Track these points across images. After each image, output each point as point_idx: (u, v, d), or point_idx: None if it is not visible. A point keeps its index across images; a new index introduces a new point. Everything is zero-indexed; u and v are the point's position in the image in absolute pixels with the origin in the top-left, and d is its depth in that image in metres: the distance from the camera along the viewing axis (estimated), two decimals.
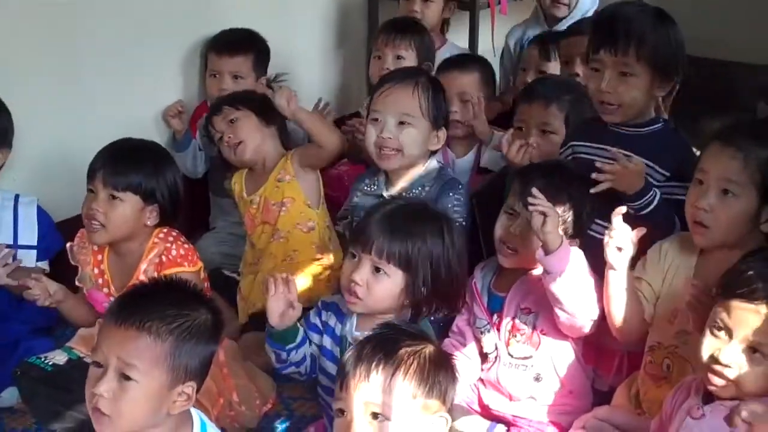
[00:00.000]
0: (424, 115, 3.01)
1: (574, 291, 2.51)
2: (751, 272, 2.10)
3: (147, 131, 3.52)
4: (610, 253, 2.43)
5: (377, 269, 2.44)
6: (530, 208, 2.49)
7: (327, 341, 2.58)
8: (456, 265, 2.52)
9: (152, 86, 3.70)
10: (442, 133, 3.07)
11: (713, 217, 2.44)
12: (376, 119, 3.03)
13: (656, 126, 2.88)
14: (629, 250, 2.43)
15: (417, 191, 3.04)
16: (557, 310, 2.56)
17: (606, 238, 2.43)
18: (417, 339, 2.10)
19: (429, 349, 2.06)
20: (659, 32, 2.79)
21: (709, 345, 2.10)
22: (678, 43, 2.84)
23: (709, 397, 2.16)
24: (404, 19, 4.01)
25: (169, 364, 2.02)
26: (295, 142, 3.48)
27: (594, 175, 2.70)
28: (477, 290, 2.81)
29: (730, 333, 2.08)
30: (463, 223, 2.97)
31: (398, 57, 3.77)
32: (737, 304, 2.07)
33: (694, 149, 2.82)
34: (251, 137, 3.27)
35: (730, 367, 2.06)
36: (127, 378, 1.99)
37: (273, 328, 2.47)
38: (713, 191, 2.44)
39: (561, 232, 2.52)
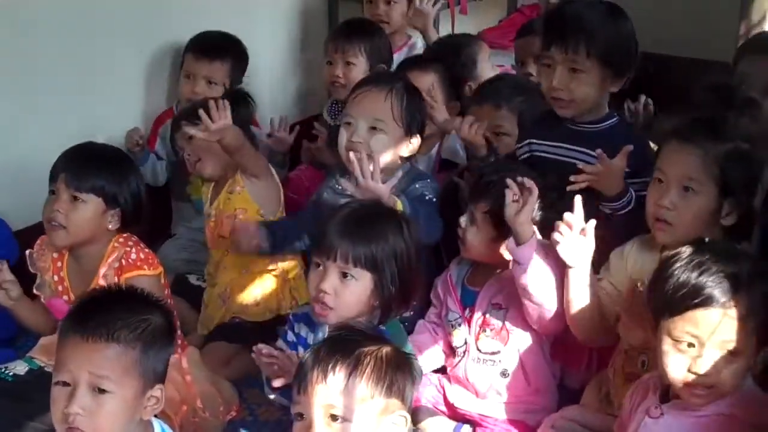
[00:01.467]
0: (397, 121, 2.99)
1: (543, 282, 2.51)
2: (693, 280, 2.06)
3: (109, 138, 3.48)
4: (566, 248, 2.43)
5: (344, 275, 2.43)
6: (507, 197, 2.50)
7: (302, 352, 2.56)
8: (415, 260, 2.52)
9: (116, 92, 3.67)
10: (416, 140, 3.05)
11: (676, 214, 2.46)
12: (349, 123, 3.01)
13: (612, 121, 2.91)
14: (589, 245, 2.43)
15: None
16: (526, 303, 2.56)
17: (557, 237, 2.43)
18: (374, 340, 2.09)
19: (386, 349, 2.05)
20: (610, 28, 2.81)
21: (679, 363, 2.08)
22: (629, 38, 2.86)
23: (666, 396, 2.17)
24: (354, 22, 3.98)
25: (139, 370, 2.03)
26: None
27: (573, 178, 2.71)
28: (452, 283, 2.82)
29: (701, 342, 2.05)
30: (434, 199, 2.98)
31: (348, 63, 3.75)
32: (701, 314, 2.04)
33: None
34: (209, 153, 3.17)
35: (710, 374, 2.06)
36: (102, 391, 1.99)
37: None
38: (674, 189, 2.46)
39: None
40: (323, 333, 2.52)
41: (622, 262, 2.62)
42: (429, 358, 2.84)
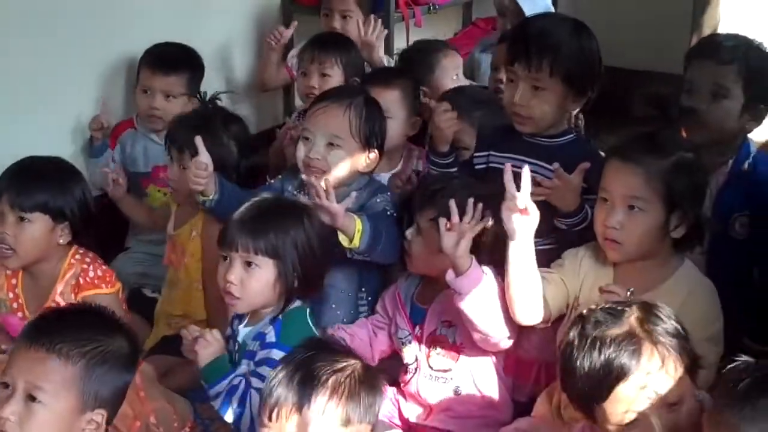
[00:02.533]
0: (355, 136, 2.97)
1: (485, 311, 2.52)
2: (598, 362, 2.01)
3: (66, 151, 3.47)
4: (509, 220, 2.41)
5: (248, 264, 2.51)
6: (442, 229, 2.50)
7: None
8: (318, 249, 2.59)
9: (72, 103, 3.64)
10: (374, 155, 3.03)
11: (624, 233, 2.47)
12: (307, 138, 3.00)
13: (569, 137, 2.93)
14: (533, 218, 2.42)
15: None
16: (471, 331, 2.58)
17: (506, 203, 2.41)
18: (341, 356, 2.08)
19: (356, 368, 2.05)
20: (574, 47, 2.82)
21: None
22: (593, 57, 2.87)
23: None
24: (330, 35, 3.96)
25: (78, 388, 2.01)
26: None
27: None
28: (401, 300, 2.82)
29: (641, 414, 2.00)
30: (394, 213, 2.97)
31: (323, 74, 3.72)
32: (624, 387, 2.00)
33: None
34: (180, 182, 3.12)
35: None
36: (34, 400, 1.98)
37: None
38: (620, 208, 2.47)
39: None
40: (240, 325, 2.63)
41: (576, 266, 2.63)
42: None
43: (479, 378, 2.71)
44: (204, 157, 2.90)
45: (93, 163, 3.65)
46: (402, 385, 2.83)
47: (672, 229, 2.50)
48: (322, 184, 2.75)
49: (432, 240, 2.63)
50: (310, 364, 2.04)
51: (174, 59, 3.70)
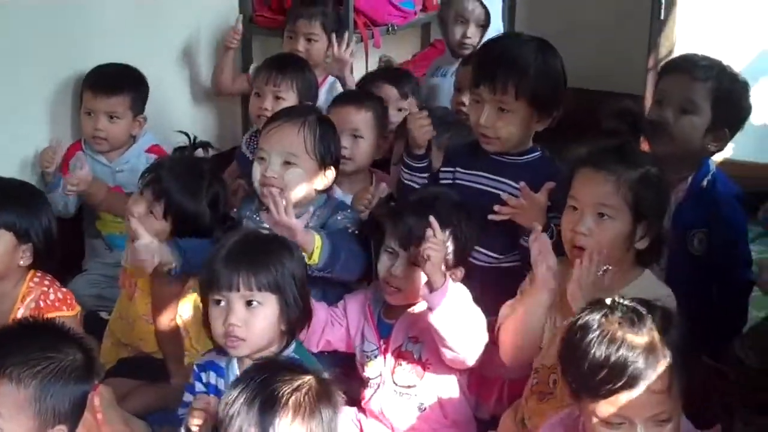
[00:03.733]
0: (310, 154, 2.97)
1: (458, 327, 2.52)
2: (612, 359, 1.98)
3: (14, 172, 3.41)
4: (541, 272, 2.46)
5: (249, 303, 2.38)
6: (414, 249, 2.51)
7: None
8: (305, 278, 2.51)
9: (20, 124, 3.58)
10: (331, 173, 3.03)
11: (592, 240, 2.48)
12: (262, 158, 2.99)
13: (534, 155, 2.96)
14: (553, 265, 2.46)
15: (307, 222, 2.96)
16: (441, 348, 2.56)
17: (535, 256, 2.46)
18: (295, 373, 2.04)
19: (311, 383, 2.01)
20: (539, 69, 2.85)
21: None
22: (558, 77, 2.91)
23: None
24: (286, 57, 3.95)
25: (35, 409, 1.98)
26: None
27: (497, 208, 2.75)
28: (371, 312, 2.81)
29: (631, 422, 2.00)
30: (356, 231, 2.97)
31: (278, 97, 3.71)
32: (627, 395, 1.98)
33: None
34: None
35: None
36: None
37: None
38: (589, 215, 2.49)
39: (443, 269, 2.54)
40: (233, 374, 2.47)
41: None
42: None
43: (443, 395, 2.70)
44: (146, 239, 2.82)
45: (50, 197, 3.48)
46: (363, 402, 2.80)
47: (637, 240, 2.52)
48: (282, 201, 2.73)
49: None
50: (266, 386, 1.99)
51: (115, 80, 3.67)
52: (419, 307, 2.68)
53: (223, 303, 2.40)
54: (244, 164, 3.81)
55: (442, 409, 2.72)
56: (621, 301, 2.06)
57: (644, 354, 1.96)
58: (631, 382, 1.96)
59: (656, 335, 1.99)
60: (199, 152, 3.26)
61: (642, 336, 1.98)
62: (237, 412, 1.95)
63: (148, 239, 2.80)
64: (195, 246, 2.90)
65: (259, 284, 2.38)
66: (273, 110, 3.60)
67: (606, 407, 1.99)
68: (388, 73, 4.09)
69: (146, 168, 3.12)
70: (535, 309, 2.50)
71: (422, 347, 2.69)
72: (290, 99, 3.71)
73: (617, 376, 1.96)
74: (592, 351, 1.98)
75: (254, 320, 2.39)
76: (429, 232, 2.52)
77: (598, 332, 2.00)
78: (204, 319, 2.49)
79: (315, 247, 2.74)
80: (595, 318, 2.03)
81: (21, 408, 1.96)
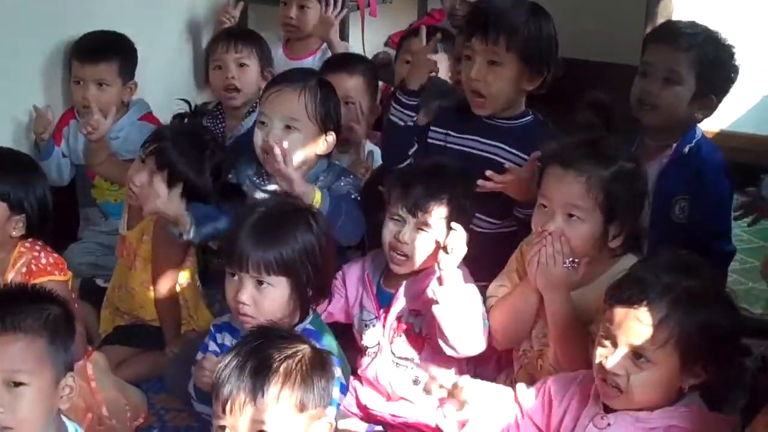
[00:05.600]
0: (311, 118, 2.97)
1: (461, 325, 2.52)
2: (630, 277, 2.11)
3: (7, 141, 3.39)
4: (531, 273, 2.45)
5: (260, 283, 2.40)
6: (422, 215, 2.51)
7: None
8: (327, 250, 2.50)
9: (13, 94, 3.55)
10: (331, 138, 3.03)
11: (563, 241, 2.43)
12: (263, 122, 2.98)
13: (527, 119, 2.95)
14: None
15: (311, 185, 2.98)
16: (440, 341, 2.57)
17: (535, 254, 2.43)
18: (290, 341, 2.04)
19: (306, 351, 2.01)
20: (531, 25, 2.85)
21: (599, 354, 2.11)
22: (549, 37, 2.90)
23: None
24: (239, 29, 4.03)
25: (50, 358, 2.01)
26: None
27: (480, 182, 2.72)
28: (370, 281, 2.79)
29: (614, 341, 2.07)
30: (358, 197, 2.99)
31: (241, 65, 3.74)
32: (618, 310, 2.07)
33: None
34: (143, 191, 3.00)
35: (618, 374, 2.06)
36: (18, 384, 1.96)
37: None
38: (559, 216, 2.44)
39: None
40: None
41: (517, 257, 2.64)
42: None
43: (441, 368, 2.69)
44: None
45: (44, 166, 3.44)
46: (359, 369, 2.80)
47: (610, 239, 2.47)
48: (279, 151, 2.77)
49: (441, 237, 2.58)
50: (259, 352, 1.98)
51: (102, 47, 3.64)
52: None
53: (235, 278, 2.42)
54: None
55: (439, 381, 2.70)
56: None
57: (654, 289, 2.06)
58: (628, 301, 2.08)
59: (681, 286, 2.06)
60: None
61: (670, 278, 2.08)
62: (228, 375, 1.95)
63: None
64: (204, 213, 2.92)
65: (268, 268, 2.39)
66: (238, 78, 3.73)
67: (617, 310, 2.09)
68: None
69: (148, 137, 3.11)
70: (525, 299, 2.50)
71: (423, 321, 2.68)
72: (253, 66, 3.76)
73: (626, 292, 2.10)
74: (635, 271, 2.16)
75: (263, 300, 2.41)
76: (456, 225, 2.50)
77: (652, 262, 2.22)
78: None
79: (314, 201, 2.76)
80: (665, 257, 2.20)
81: (40, 359, 1.98)
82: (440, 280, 2.51)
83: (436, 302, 2.52)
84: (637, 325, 2.04)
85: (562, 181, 2.44)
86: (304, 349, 2.02)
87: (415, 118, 3.01)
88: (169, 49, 4.23)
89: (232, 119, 3.80)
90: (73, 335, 2.13)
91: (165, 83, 4.07)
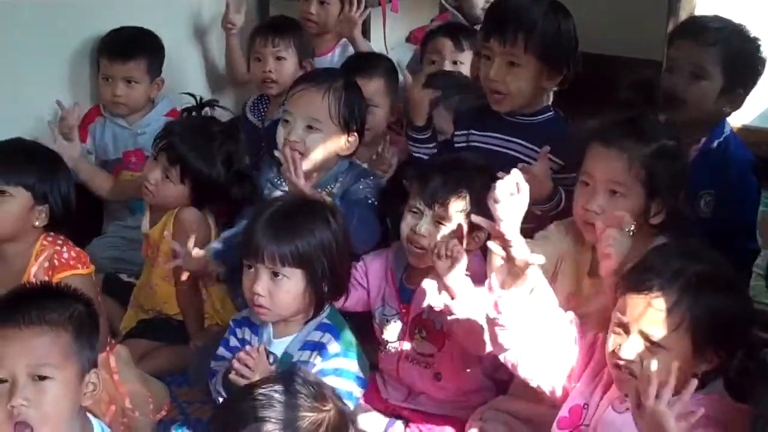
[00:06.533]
0: (333, 119, 2.96)
1: (476, 336, 2.47)
2: (640, 266, 2.12)
3: (33, 137, 3.40)
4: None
5: (275, 274, 2.42)
6: (438, 251, 2.45)
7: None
8: (344, 248, 2.52)
9: (39, 90, 3.57)
10: (354, 139, 3.02)
11: (605, 217, 2.45)
12: (287, 120, 2.99)
13: (548, 115, 2.95)
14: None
15: (330, 187, 3.01)
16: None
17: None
18: (316, 399, 1.95)
19: (330, 415, 1.95)
20: (549, 24, 2.83)
21: (612, 342, 2.12)
22: (569, 36, 2.88)
23: None
24: (280, 19, 3.99)
25: (76, 353, 2.03)
26: None
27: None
28: (393, 277, 2.79)
29: (626, 328, 2.08)
30: (375, 203, 2.99)
31: (278, 58, 3.75)
32: (629, 298, 2.09)
33: None
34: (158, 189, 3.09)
35: (632, 361, 2.06)
36: (43, 378, 1.98)
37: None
38: (601, 193, 2.47)
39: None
40: (268, 335, 2.54)
41: (560, 240, 2.64)
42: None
43: (461, 364, 2.70)
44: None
45: None
46: (380, 363, 2.81)
47: (651, 216, 2.49)
48: (292, 161, 2.79)
49: (461, 230, 2.59)
50: (281, 411, 1.91)
51: (131, 45, 3.67)
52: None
53: (252, 269, 2.45)
54: (248, 130, 3.82)
55: (459, 379, 2.72)
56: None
57: (664, 276, 2.07)
58: (638, 288, 2.09)
59: (692, 271, 2.07)
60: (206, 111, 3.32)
61: (680, 264, 2.09)
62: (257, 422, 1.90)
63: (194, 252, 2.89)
64: (230, 239, 2.97)
65: (284, 260, 2.41)
66: (276, 71, 3.72)
67: (629, 296, 2.10)
68: (445, 26, 4.11)
69: (157, 134, 3.16)
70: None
71: (443, 318, 2.64)
72: (291, 59, 3.76)
73: (637, 279, 2.10)
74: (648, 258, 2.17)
75: (278, 292, 2.43)
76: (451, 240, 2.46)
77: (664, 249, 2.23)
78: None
79: None
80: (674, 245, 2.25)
81: (66, 353, 2.00)
82: (450, 293, 2.44)
83: (452, 314, 2.46)
84: (648, 311, 2.05)
85: (604, 158, 2.48)
86: (330, 412, 1.95)
87: (435, 149, 3.04)
88: (190, 44, 4.24)
89: (274, 104, 3.81)
90: (98, 333, 2.15)
91: (185, 80, 4.08)
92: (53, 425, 2.00)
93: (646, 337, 2.06)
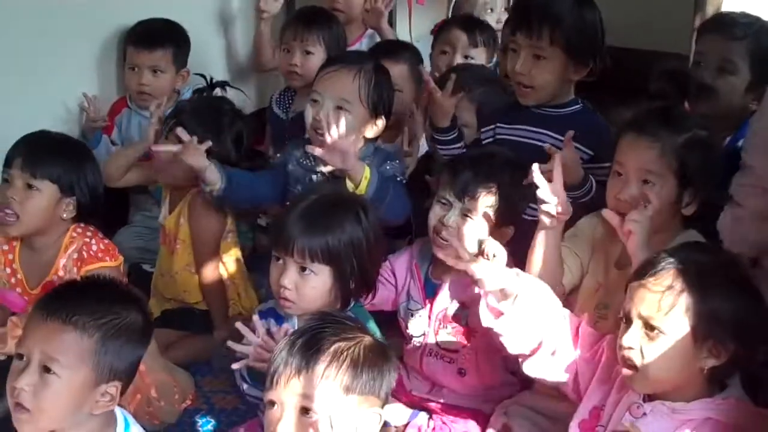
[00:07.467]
0: (363, 102, 2.95)
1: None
2: (647, 260, 2.11)
3: (59, 128, 3.42)
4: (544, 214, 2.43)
5: (303, 269, 2.42)
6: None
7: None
8: (375, 246, 2.50)
9: (66, 81, 3.59)
10: (381, 122, 3.02)
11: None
12: (315, 100, 2.98)
13: (575, 107, 2.95)
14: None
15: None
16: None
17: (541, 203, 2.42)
18: (352, 330, 2.02)
19: (365, 341, 1.99)
20: (575, 17, 2.83)
21: (619, 335, 2.10)
22: (595, 28, 2.88)
23: (650, 395, 2.12)
24: (312, 10, 3.95)
25: (94, 361, 2.00)
26: None
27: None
28: (418, 271, 2.79)
29: (629, 317, 2.06)
30: (403, 180, 3.00)
31: (306, 52, 3.73)
32: (631, 287, 2.08)
33: None
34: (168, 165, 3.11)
35: (632, 348, 2.04)
36: (49, 371, 1.97)
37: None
38: (633, 182, 2.47)
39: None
40: (292, 326, 2.49)
41: (591, 231, 2.65)
42: None
43: (486, 361, 2.69)
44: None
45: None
46: (405, 357, 2.81)
47: (684, 206, 2.49)
48: (331, 124, 2.77)
49: (490, 225, 2.59)
50: (315, 332, 1.99)
51: (157, 34, 3.70)
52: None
53: (280, 261, 2.44)
54: (275, 123, 3.84)
55: (482, 374, 2.72)
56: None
57: (667, 266, 2.05)
58: (637, 276, 2.07)
59: (692, 262, 2.05)
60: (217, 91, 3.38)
61: (683, 255, 2.07)
62: (281, 350, 1.96)
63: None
64: (240, 177, 2.97)
65: (312, 255, 2.40)
66: (302, 66, 3.71)
67: (631, 286, 2.08)
68: (462, 19, 4.11)
69: (169, 113, 3.19)
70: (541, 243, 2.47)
71: (470, 313, 2.65)
72: (318, 53, 3.73)
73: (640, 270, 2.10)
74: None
75: (305, 286, 2.42)
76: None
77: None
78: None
79: (363, 177, 2.75)
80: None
81: (81, 357, 1.98)
82: (504, 294, 2.23)
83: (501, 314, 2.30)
84: (646, 294, 2.03)
85: (636, 147, 2.48)
86: (365, 338, 2.00)
87: (464, 148, 3.04)
88: (215, 35, 4.27)
89: (299, 97, 3.80)
90: (143, 346, 2.12)
91: (209, 71, 4.09)
92: (48, 419, 2.00)
93: (645, 323, 2.03)
